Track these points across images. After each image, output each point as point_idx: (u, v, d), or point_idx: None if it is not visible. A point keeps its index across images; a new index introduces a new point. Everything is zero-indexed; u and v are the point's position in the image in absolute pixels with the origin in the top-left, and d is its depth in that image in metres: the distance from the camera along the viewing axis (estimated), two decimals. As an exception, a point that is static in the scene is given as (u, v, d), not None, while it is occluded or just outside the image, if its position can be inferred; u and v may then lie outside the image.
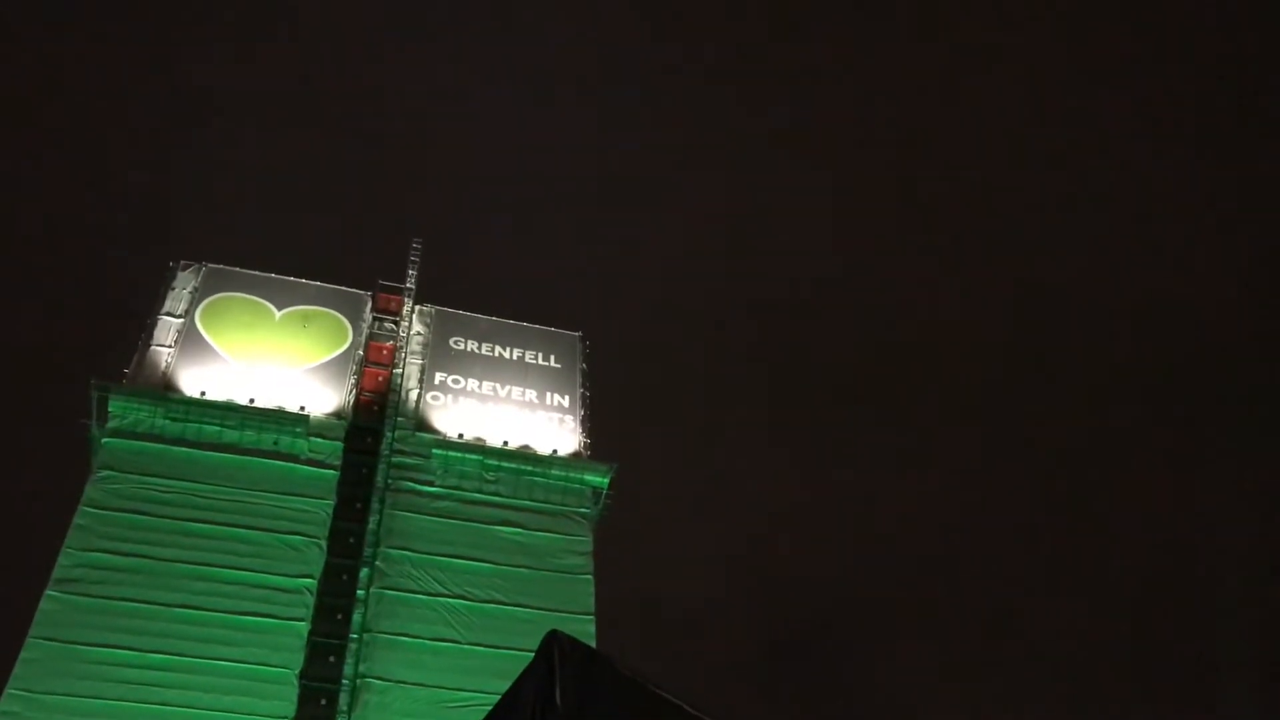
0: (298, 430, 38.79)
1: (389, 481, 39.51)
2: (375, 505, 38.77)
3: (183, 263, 43.26)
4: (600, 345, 46.88)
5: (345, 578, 37.46)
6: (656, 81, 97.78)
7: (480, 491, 40.03)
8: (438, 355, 43.72)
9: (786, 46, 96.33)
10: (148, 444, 37.51)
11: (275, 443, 38.59)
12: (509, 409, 42.61)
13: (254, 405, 39.04)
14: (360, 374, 41.99)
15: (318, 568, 36.69)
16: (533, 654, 10.03)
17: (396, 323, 44.20)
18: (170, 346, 40.22)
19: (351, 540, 38.20)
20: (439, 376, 43.05)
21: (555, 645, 9.67)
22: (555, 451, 41.54)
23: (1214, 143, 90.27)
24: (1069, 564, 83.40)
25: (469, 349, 44.26)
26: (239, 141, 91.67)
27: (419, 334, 44.40)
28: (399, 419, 41.08)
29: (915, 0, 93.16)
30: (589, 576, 39.13)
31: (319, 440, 39.06)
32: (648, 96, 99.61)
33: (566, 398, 43.64)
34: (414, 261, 45.80)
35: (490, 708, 11.45)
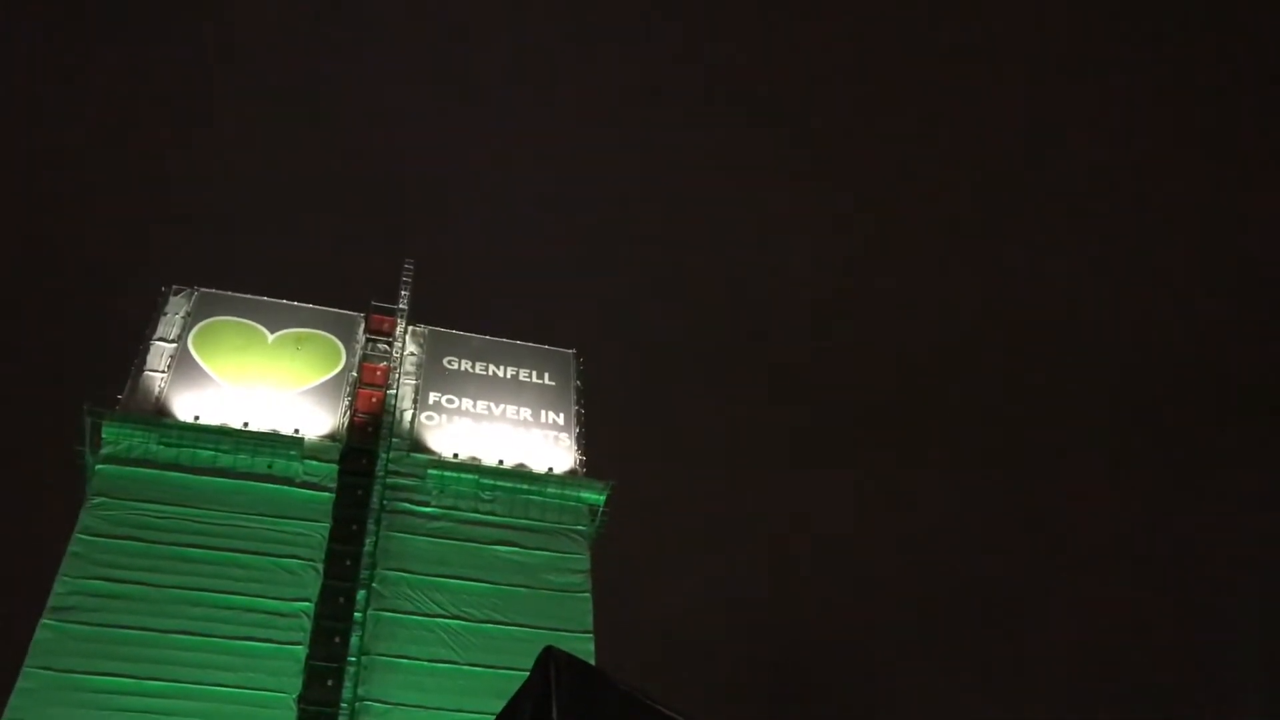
0: (292, 453, 38.68)
1: (385, 503, 39.40)
2: (371, 527, 38.65)
3: (174, 287, 43.25)
4: (599, 363, 46.94)
5: (342, 600, 37.32)
6: (654, 98, 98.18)
7: (476, 511, 39.93)
8: (431, 375, 43.69)
9: (787, 58, 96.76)
10: (142, 470, 37.43)
11: (270, 466, 38.51)
12: (504, 427, 42.56)
13: (248, 429, 38.96)
14: (354, 395, 41.92)
15: (314, 591, 36.54)
16: (531, 673, 9.97)
17: (390, 343, 44.16)
18: (163, 371, 40.16)
19: (348, 562, 38.07)
20: (433, 396, 43.01)
21: (551, 661, 9.60)
22: (551, 469, 41.46)
23: (1215, 151, 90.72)
24: (1076, 581, 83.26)
25: (463, 368, 44.24)
26: (230, 164, 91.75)
27: (412, 354, 44.37)
28: (394, 440, 41.02)
29: (921, 12, 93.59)
30: (587, 595, 39.01)
31: (314, 463, 38.97)
32: (646, 112, 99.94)
33: (562, 415, 43.59)
34: (406, 282, 45.85)
35: (488, 727, 11.38)
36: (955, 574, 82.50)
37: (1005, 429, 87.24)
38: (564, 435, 42.94)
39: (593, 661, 34.56)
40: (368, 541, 38.26)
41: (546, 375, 44.84)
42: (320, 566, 37.00)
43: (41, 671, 32.82)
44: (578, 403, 44.20)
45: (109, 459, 37.40)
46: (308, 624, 35.80)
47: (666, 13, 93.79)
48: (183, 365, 40.54)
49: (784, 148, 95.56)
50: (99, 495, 36.68)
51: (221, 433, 38.55)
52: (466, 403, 43.01)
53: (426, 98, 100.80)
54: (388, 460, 40.30)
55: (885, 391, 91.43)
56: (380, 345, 44.16)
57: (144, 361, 40.30)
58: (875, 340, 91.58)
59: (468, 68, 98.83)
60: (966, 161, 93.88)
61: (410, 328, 45.16)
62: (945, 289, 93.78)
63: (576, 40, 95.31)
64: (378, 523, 38.77)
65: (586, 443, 42.98)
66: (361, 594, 37.26)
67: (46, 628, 33.63)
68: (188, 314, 42.25)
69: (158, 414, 38.75)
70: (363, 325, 44.42)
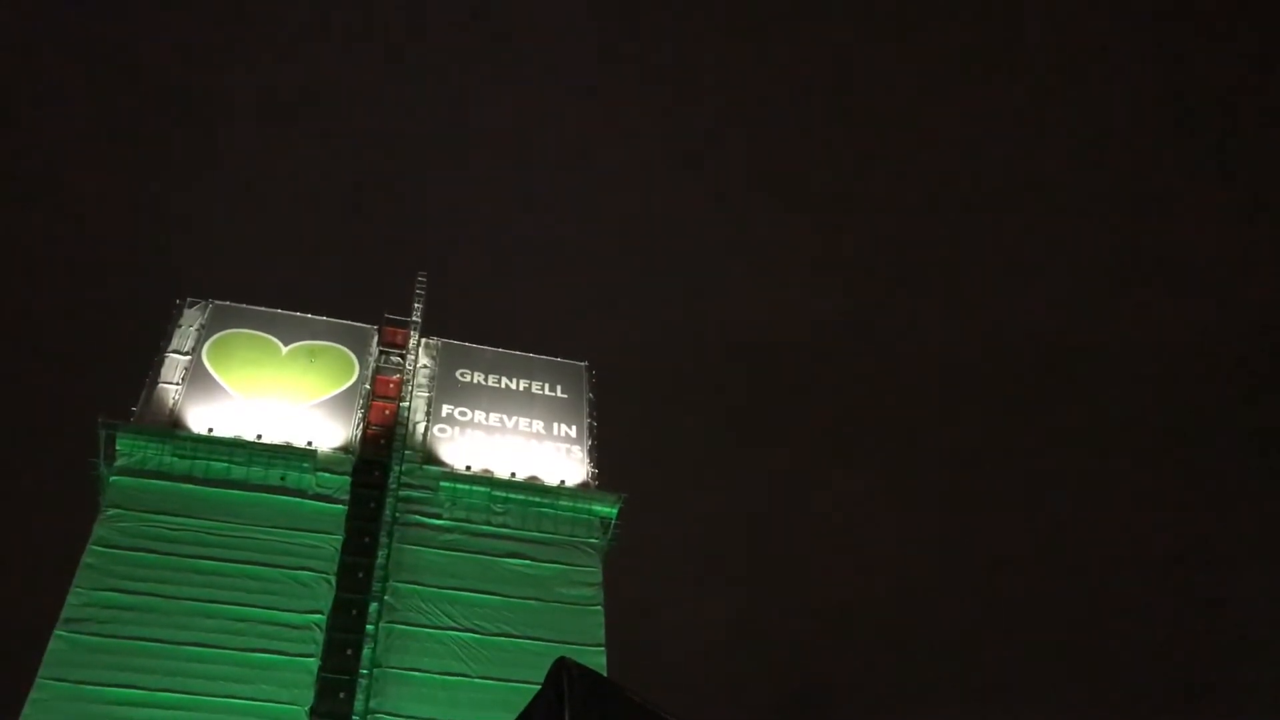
0: (305, 465, 38.74)
1: (397, 515, 39.40)
2: (383, 539, 38.65)
3: (189, 300, 43.39)
4: (613, 377, 46.84)
5: (354, 613, 37.30)
6: (659, 121, 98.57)
7: (489, 524, 39.89)
8: (444, 388, 43.72)
9: (783, 87, 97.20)
10: (156, 481, 37.50)
11: (283, 478, 38.55)
12: (516, 440, 42.54)
13: (261, 441, 39.04)
14: (367, 408, 41.96)
15: (327, 603, 36.54)
16: (544, 687, 9.94)
17: (403, 356, 44.23)
18: (178, 384, 40.27)
19: (360, 575, 38.07)
20: (446, 409, 43.02)
21: (564, 672, 9.60)
22: (563, 482, 41.42)
23: (1212, 166, 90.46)
24: (1082, 610, 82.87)
25: (475, 381, 44.25)
26: (245, 177, 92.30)
27: (425, 367, 44.41)
28: (406, 452, 41.03)
29: (911, 42, 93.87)
30: (599, 608, 38.89)
31: (326, 475, 38.99)
32: (651, 133, 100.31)
33: (574, 428, 43.55)
34: (420, 295, 45.94)
35: (500, 738, 11.36)
36: (969, 590, 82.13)
37: (1008, 455, 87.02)
38: (576, 448, 42.90)
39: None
40: (380, 554, 38.25)
41: (559, 388, 44.82)
42: (332, 579, 37.00)
43: (54, 683, 32.84)
44: (590, 415, 44.15)
45: (123, 471, 37.49)
46: (320, 636, 35.78)
47: (681, 56, 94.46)
48: (197, 377, 40.65)
49: (789, 180, 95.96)
50: (113, 507, 36.77)
51: (235, 445, 38.61)
52: (479, 415, 43.02)
53: (442, 112, 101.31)
54: (400, 473, 40.32)
55: (893, 405, 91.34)
56: (393, 358, 44.23)
57: (158, 374, 40.41)
58: (879, 354, 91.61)
59: (482, 84, 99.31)
60: (967, 174, 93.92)
61: (423, 340, 45.23)
62: (945, 320, 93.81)
63: (588, 62, 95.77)
64: (390, 535, 38.78)
65: (599, 455, 42.95)
66: (374, 606, 37.24)
67: (59, 638, 33.67)
68: (202, 326, 42.39)
69: (172, 426, 38.83)
70: (376, 338, 44.50)
